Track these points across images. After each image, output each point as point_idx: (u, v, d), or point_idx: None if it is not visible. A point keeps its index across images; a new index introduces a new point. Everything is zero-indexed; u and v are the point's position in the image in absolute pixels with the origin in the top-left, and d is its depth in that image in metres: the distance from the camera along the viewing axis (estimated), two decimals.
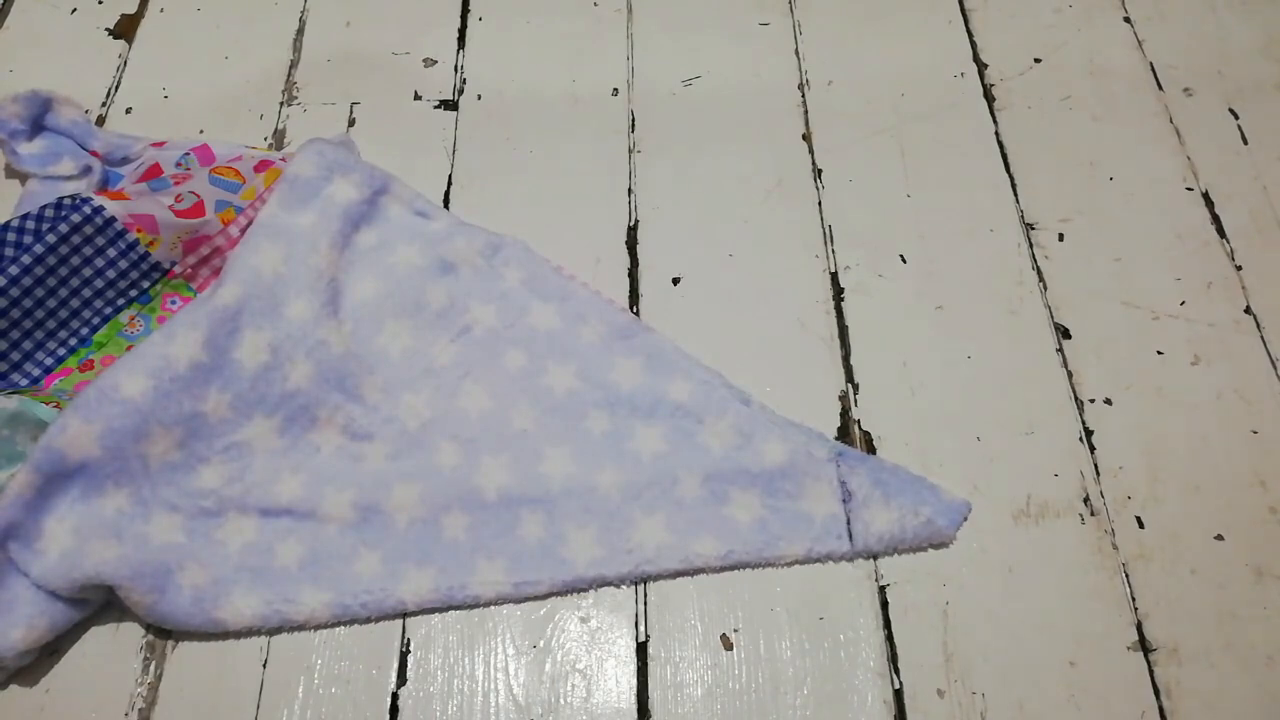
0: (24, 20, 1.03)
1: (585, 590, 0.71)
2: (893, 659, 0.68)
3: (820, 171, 0.91)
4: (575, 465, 0.74)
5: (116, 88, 0.97)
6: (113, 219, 0.76)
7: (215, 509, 0.71)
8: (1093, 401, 0.79)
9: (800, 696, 0.67)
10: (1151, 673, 0.68)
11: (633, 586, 0.71)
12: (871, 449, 0.77)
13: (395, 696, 0.68)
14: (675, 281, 0.84)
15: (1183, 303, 0.84)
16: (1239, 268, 0.86)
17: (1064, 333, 0.82)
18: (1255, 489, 0.75)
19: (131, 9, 1.04)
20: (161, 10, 1.04)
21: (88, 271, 0.76)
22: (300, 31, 1.01)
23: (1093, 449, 0.77)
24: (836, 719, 0.67)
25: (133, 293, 0.79)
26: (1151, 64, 0.99)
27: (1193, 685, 0.67)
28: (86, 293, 0.77)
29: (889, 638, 0.69)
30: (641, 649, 0.69)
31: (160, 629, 0.69)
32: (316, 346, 0.75)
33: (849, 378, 0.80)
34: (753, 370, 0.79)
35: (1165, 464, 0.76)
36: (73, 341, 0.77)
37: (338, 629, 0.70)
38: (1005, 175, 0.91)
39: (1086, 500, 0.74)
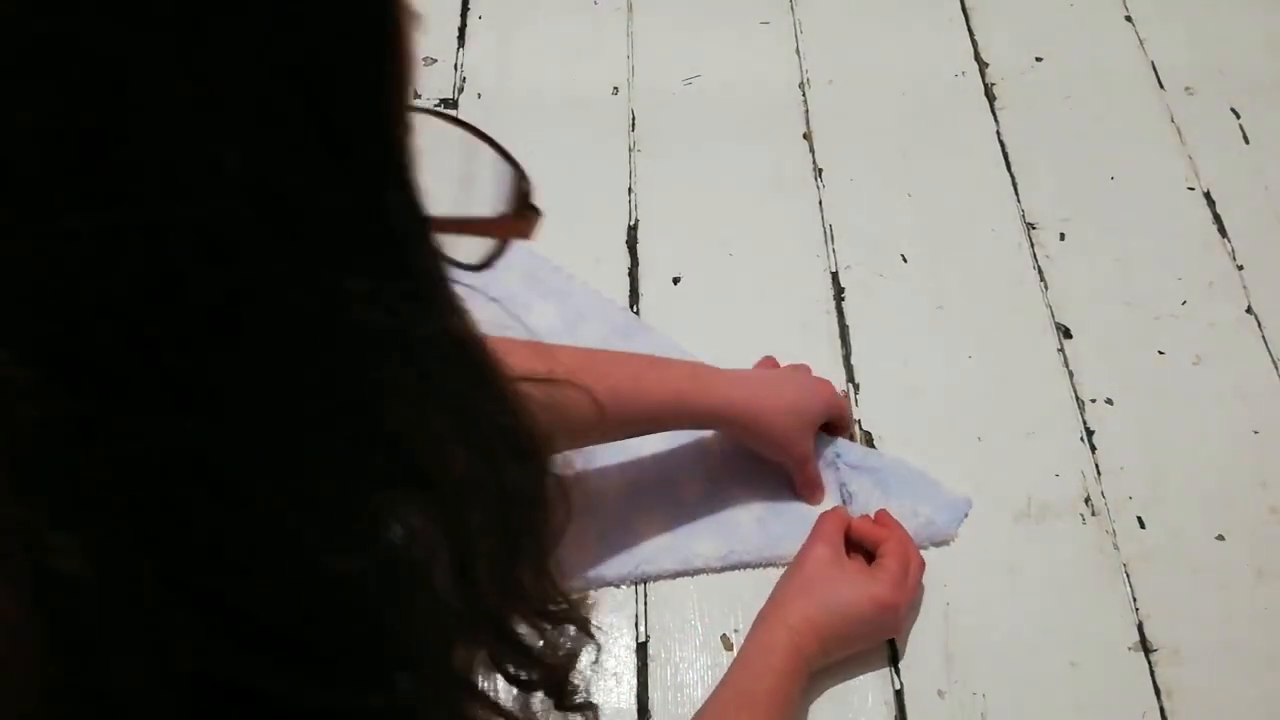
0: None
1: (585, 590, 0.71)
2: (893, 659, 0.68)
3: (821, 171, 0.91)
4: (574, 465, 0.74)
5: None
6: None
7: None
8: (1094, 401, 0.79)
9: (800, 697, 0.67)
10: (1152, 673, 0.68)
11: (633, 586, 0.71)
12: (872, 449, 0.76)
13: None
14: (675, 281, 0.84)
15: (1184, 303, 0.84)
16: (1240, 267, 0.86)
17: (1065, 332, 0.82)
18: (1256, 489, 0.75)
19: None
20: None
21: None
22: None
23: (1094, 449, 0.77)
24: (837, 719, 0.66)
25: None
26: (1153, 63, 0.99)
27: (1193, 686, 0.67)
28: None
29: (890, 638, 0.69)
30: (641, 649, 0.69)
31: None
32: None
33: (850, 377, 0.80)
34: None
35: (1166, 464, 0.76)
36: None
37: None
38: (1006, 175, 0.91)
39: (1087, 500, 0.74)
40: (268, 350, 0.20)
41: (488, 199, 0.29)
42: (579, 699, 0.35)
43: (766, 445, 0.71)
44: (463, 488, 0.26)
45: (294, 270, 0.20)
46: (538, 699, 0.34)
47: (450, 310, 0.25)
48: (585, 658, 0.35)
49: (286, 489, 0.22)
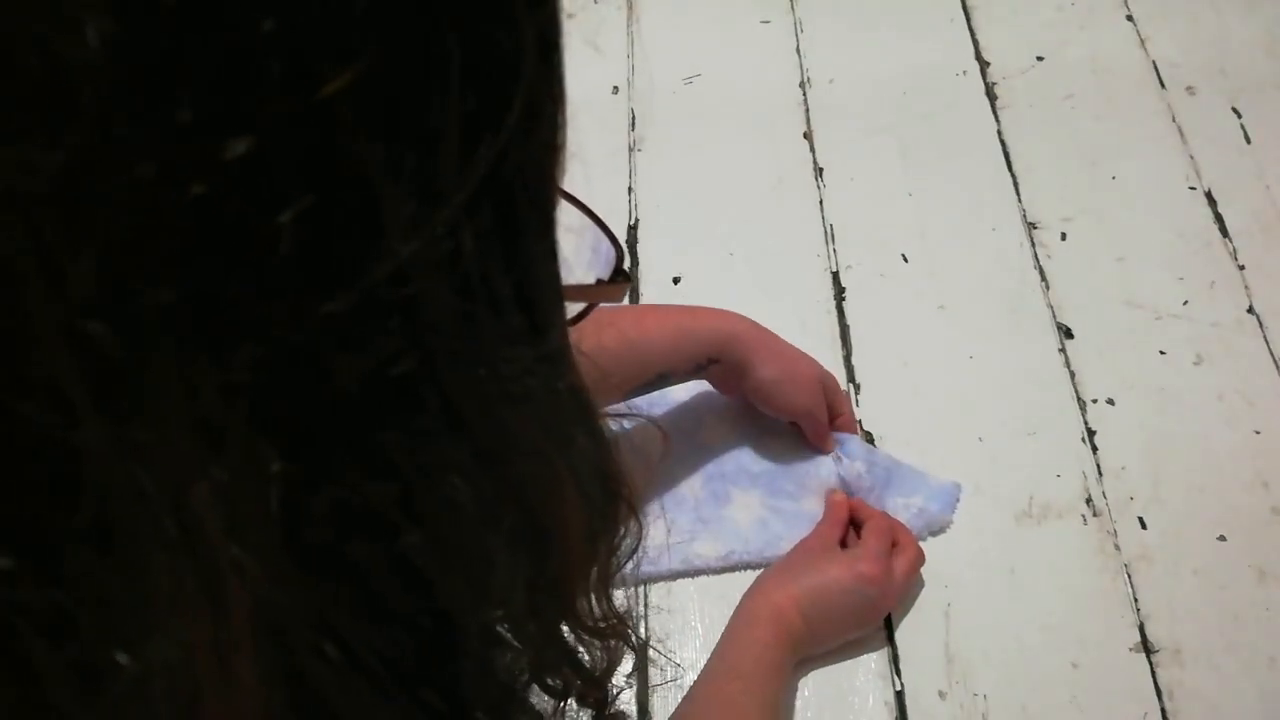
0: None
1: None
2: (894, 660, 0.68)
3: (821, 170, 0.91)
4: None
5: None
6: None
7: None
8: (1095, 402, 0.78)
9: (800, 698, 0.67)
10: (1154, 674, 0.68)
11: (633, 587, 0.71)
12: (871, 446, 0.76)
13: None
14: (675, 281, 0.84)
15: (1185, 302, 0.84)
16: (1241, 267, 0.86)
17: (1066, 332, 0.82)
18: (1258, 489, 0.75)
19: None
20: None
21: None
22: None
23: (1095, 449, 0.76)
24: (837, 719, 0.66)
25: None
26: (1154, 62, 0.99)
27: (1195, 686, 0.67)
28: None
29: (890, 638, 0.69)
30: (642, 650, 0.69)
31: None
32: None
33: (850, 377, 0.80)
34: None
35: (1168, 464, 0.76)
36: None
37: None
38: (1007, 174, 0.91)
39: (1089, 501, 0.74)
40: (440, 420, 0.23)
41: (582, 266, 0.32)
42: (613, 709, 0.37)
43: (766, 386, 0.70)
44: (567, 533, 0.28)
45: (471, 344, 0.23)
46: (572, 706, 0.34)
47: (572, 366, 0.27)
48: (625, 666, 0.36)
49: (444, 550, 0.24)
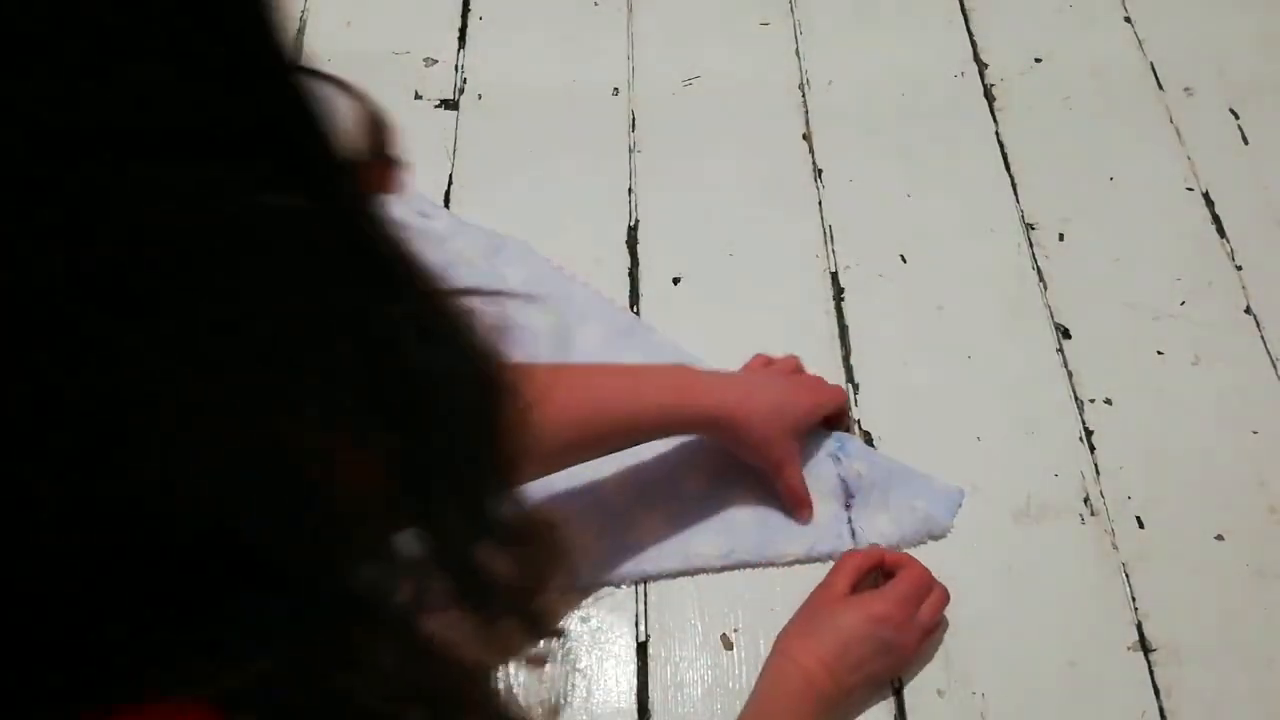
0: None
1: (585, 590, 0.71)
2: None
3: (820, 171, 0.91)
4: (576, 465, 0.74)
5: None
6: None
7: None
8: (1093, 401, 0.79)
9: None
10: (1151, 673, 0.68)
11: (633, 586, 0.71)
12: (870, 447, 0.76)
13: None
14: (675, 281, 0.84)
15: (1183, 303, 0.84)
16: (1239, 268, 0.86)
17: (1064, 333, 0.82)
18: (1255, 489, 0.75)
19: None
20: None
21: None
22: (300, 31, 1.01)
23: (1093, 449, 0.77)
24: (835, 718, 0.66)
25: None
26: (1152, 64, 0.99)
27: (1193, 685, 0.67)
28: None
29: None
30: (641, 649, 0.69)
31: None
32: None
33: (849, 377, 0.80)
34: None
35: (1165, 464, 0.76)
36: None
37: None
38: (1005, 175, 0.91)
39: (1086, 500, 0.74)
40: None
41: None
42: (549, 627, 0.35)
43: (744, 449, 0.70)
44: (432, 417, 0.28)
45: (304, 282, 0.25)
46: (508, 632, 0.33)
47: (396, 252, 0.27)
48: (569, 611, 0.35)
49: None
